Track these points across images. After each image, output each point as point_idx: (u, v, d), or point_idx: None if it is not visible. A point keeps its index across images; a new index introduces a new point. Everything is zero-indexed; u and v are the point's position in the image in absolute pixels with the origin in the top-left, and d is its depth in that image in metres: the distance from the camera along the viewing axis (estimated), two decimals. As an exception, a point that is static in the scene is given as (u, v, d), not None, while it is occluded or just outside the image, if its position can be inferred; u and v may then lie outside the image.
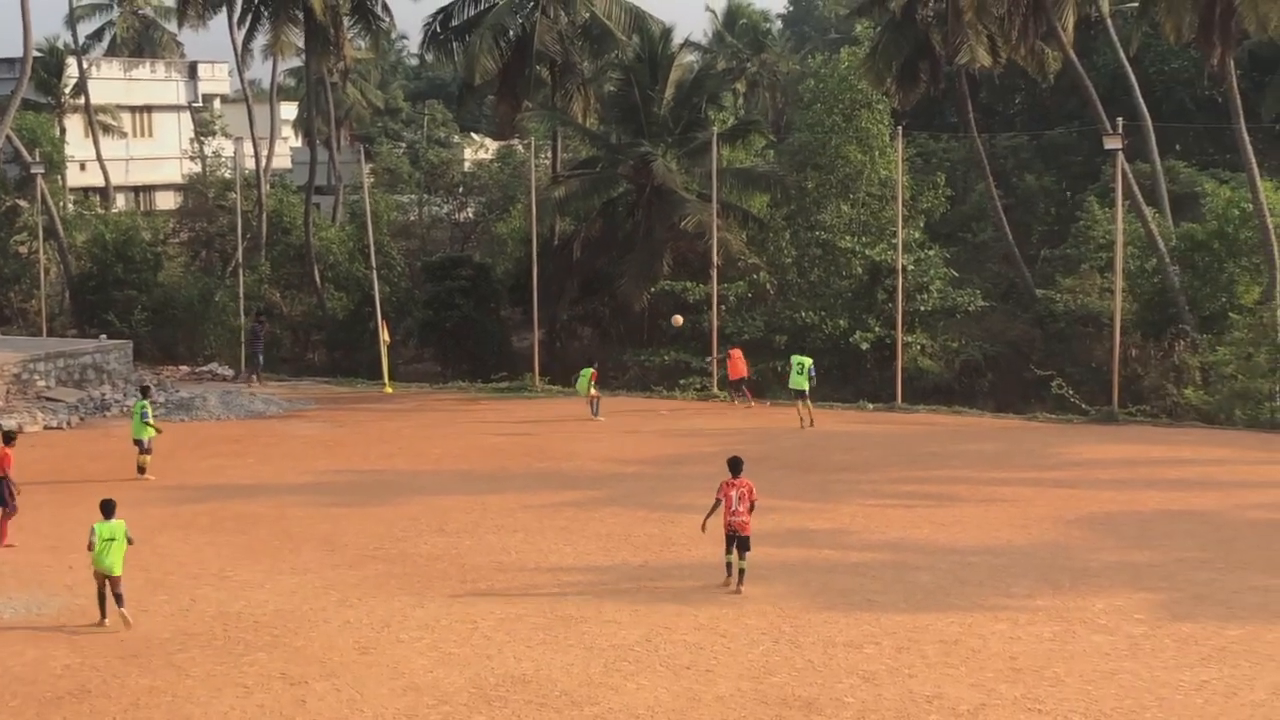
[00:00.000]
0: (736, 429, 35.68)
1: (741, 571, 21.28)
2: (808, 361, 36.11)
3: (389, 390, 43.28)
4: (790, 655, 18.45)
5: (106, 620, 19.90)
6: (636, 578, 22.20)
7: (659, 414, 38.84)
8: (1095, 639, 19.08)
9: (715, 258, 43.05)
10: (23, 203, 56.16)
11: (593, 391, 37.81)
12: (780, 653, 18.56)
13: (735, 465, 21.70)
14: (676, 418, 38.30)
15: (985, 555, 23.48)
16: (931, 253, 45.59)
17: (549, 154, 55.36)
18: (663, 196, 47.19)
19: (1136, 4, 49.31)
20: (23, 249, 56.87)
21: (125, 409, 39.73)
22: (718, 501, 21.46)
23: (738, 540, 21.23)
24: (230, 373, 47.25)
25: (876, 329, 43.43)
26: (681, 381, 42.87)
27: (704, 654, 18.45)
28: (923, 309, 44.27)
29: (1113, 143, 38.19)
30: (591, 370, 38.26)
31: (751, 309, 46.43)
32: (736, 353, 39.39)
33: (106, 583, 19.94)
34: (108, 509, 20.50)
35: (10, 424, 27.97)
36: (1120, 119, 39.44)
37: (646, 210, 47.78)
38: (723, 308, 43.99)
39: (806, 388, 35.75)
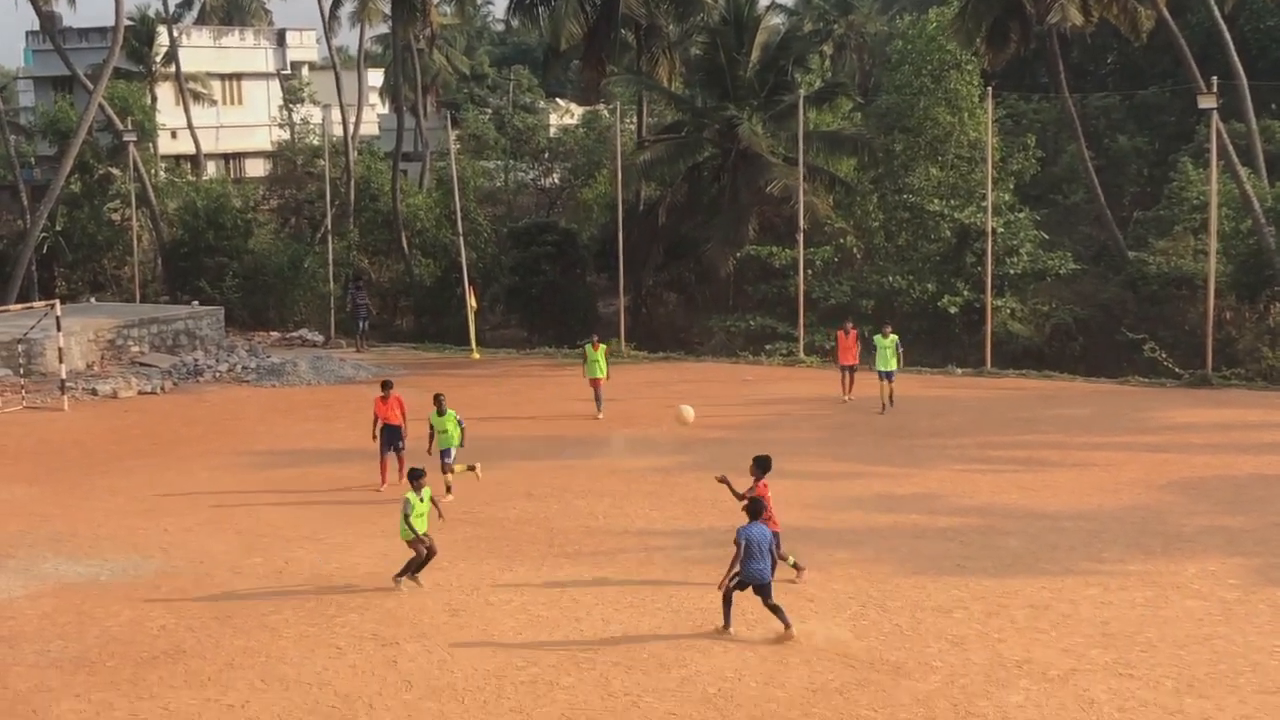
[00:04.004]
0: (822, 395, 35.51)
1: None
2: (895, 340, 33.41)
3: (476, 356, 43.54)
4: (878, 619, 18.41)
5: None
6: (723, 542, 22.04)
7: (744, 380, 38.75)
8: (1188, 604, 18.88)
9: (801, 222, 42.80)
10: (115, 171, 56.89)
11: (601, 375, 33.34)
12: (868, 617, 18.53)
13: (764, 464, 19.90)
14: (762, 383, 38.20)
15: (1076, 520, 23.27)
16: (1021, 215, 45.05)
17: (634, 118, 55.24)
18: (748, 160, 46.93)
19: (1232, -40, 48.39)
20: (116, 216, 57.64)
21: (218, 374, 40.31)
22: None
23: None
24: (320, 338, 47.74)
25: (965, 293, 43.01)
26: (767, 347, 42.73)
27: (791, 617, 18.42)
28: (1012, 272, 43.79)
29: (1207, 102, 37.49)
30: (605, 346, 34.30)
31: (838, 274, 46.16)
32: (851, 333, 34.54)
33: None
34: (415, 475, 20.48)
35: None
36: (1215, 78, 38.64)
37: (732, 174, 47.56)
38: (809, 272, 43.76)
39: (895, 368, 33.31)
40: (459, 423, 25.44)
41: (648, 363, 42.10)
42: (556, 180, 67.66)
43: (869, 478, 26.67)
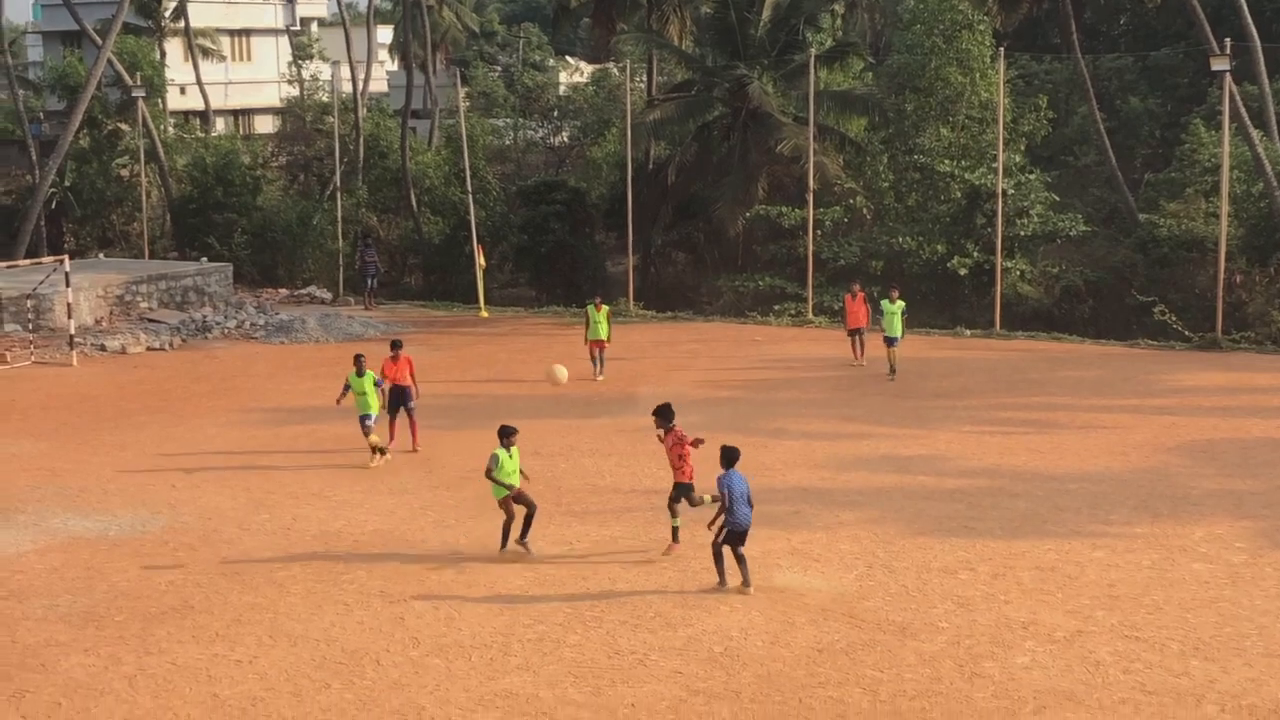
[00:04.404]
0: (830, 356, 35.47)
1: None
2: (902, 306, 32.56)
3: (484, 314, 43.54)
4: (884, 580, 18.43)
5: None
6: (730, 501, 22.19)
7: (753, 340, 38.74)
8: (1194, 567, 18.88)
9: (811, 182, 42.70)
10: (124, 126, 56.81)
11: (603, 337, 32.70)
12: (874, 578, 18.54)
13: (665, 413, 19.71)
14: (770, 343, 38.19)
15: (1083, 482, 23.26)
16: (1032, 177, 44.84)
17: (644, 77, 55.03)
18: (759, 120, 46.78)
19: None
20: (125, 172, 57.62)
21: (226, 331, 40.35)
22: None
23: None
24: (329, 295, 47.74)
25: (975, 254, 42.87)
26: (776, 307, 42.69)
27: (798, 578, 18.48)
28: (1023, 234, 43.59)
29: (1220, 64, 37.30)
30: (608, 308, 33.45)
31: (847, 234, 46.04)
32: (859, 296, 33.69)
33: None
34: None
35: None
36: (1228, 39, 38.44)
37: (742, 134, 47.40)
38: (818, 233, 43.66)
39: (900, 334, 32.39)
40: (377, 384, 24.89)
41: (656, 322, 42.10)
42: (566, 139, 67.52)
43: (876, 438, 26.67)
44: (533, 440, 26.51)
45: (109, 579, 18.92)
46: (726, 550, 17.89)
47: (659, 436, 19.84)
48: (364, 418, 24.79)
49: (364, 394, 24.69)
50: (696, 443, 19.33)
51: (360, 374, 24.76)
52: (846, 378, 32.87)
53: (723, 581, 17.91)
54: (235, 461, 25.37)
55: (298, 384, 33.11)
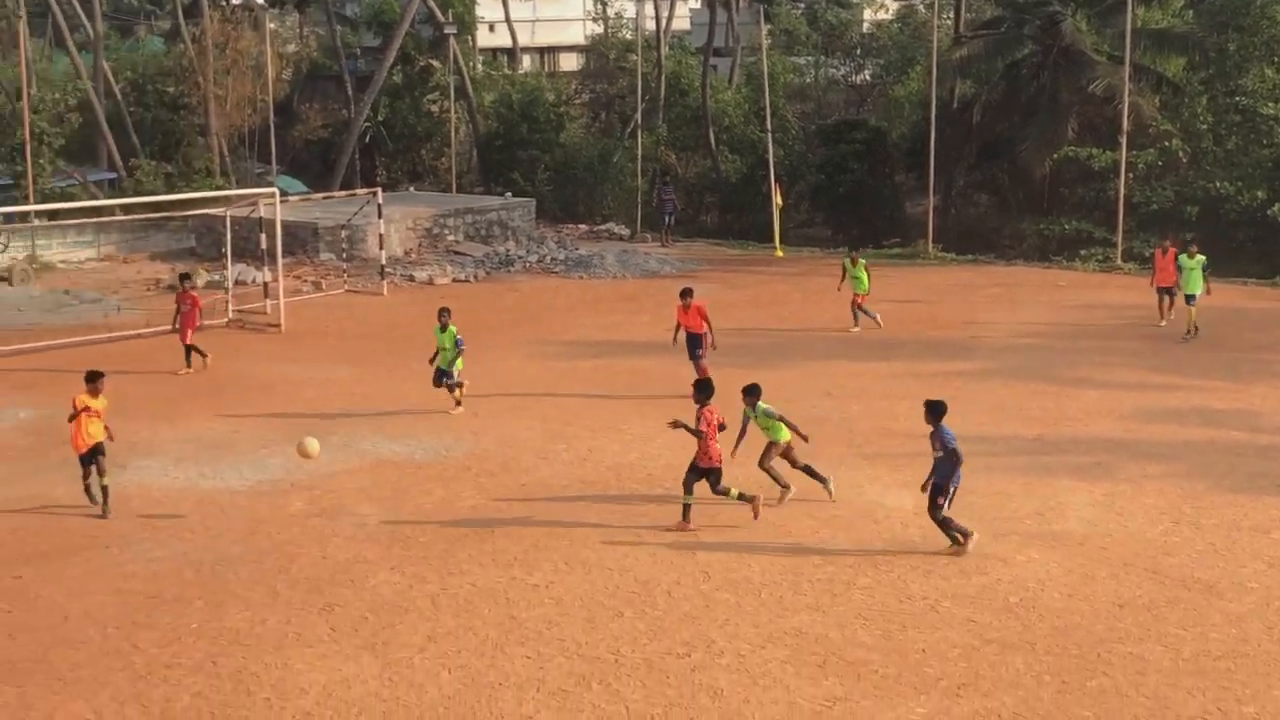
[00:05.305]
0: (1138, 304, 34.16)
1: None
2: (1202, 260, 30.32)
3: (779, 254, 43.44)
4: (1190, 536, 17.75)
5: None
6: (1029, 451, 21.70)
7: (1057, 285, 37.68)
8: None
9: (1125, 123, 41.15)
10: (435, 63, 58.38)
11: (863, 291, 31.87)
12: (1180, 533, 17.88)
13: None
14: (1075, 289, 37.08)
15: None
16: (1364, 120, 42.37)
17: (951, 14, 53.82)
18: (1070, 58, 45.30)
19: None
20: (434, 108, 59.28)
21: (528, 265, 41.22)
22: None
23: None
24: (626, 232, 48.31)
25: (1298, 201, 40.79)
26: (1082, 252, 41.42)
27: (1098, 530, 17.95)
28: (1351, 180, 41.30)
29: None
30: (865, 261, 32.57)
31: (1161, 178, 44.30)
32: (1170, 252, 31.40)
33: None
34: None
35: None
36: None
37: (1052, 73, 45.98)
38: (1130, 176, 42.12)
39: (1200, 291, 30.20)
40: (457, 342, 24.34)
41: (955, 264, 41.35)
42: (868, 77, 66.69)
43: (1186, 391, 25.66)
44: (825, 380, 26.45)
45: (414, 500, 19.60)
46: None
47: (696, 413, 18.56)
48: (441, 373, 24.48)
49: (445, 349, 24.38)
50: (722, 426, 18.46)
51: (443, 329, 24.43)
52: (1155, 329, 31.69)
53: (965, 535, 17.11)
54: (534, 392, 25.95)
55: (595, 318, 33.65)
